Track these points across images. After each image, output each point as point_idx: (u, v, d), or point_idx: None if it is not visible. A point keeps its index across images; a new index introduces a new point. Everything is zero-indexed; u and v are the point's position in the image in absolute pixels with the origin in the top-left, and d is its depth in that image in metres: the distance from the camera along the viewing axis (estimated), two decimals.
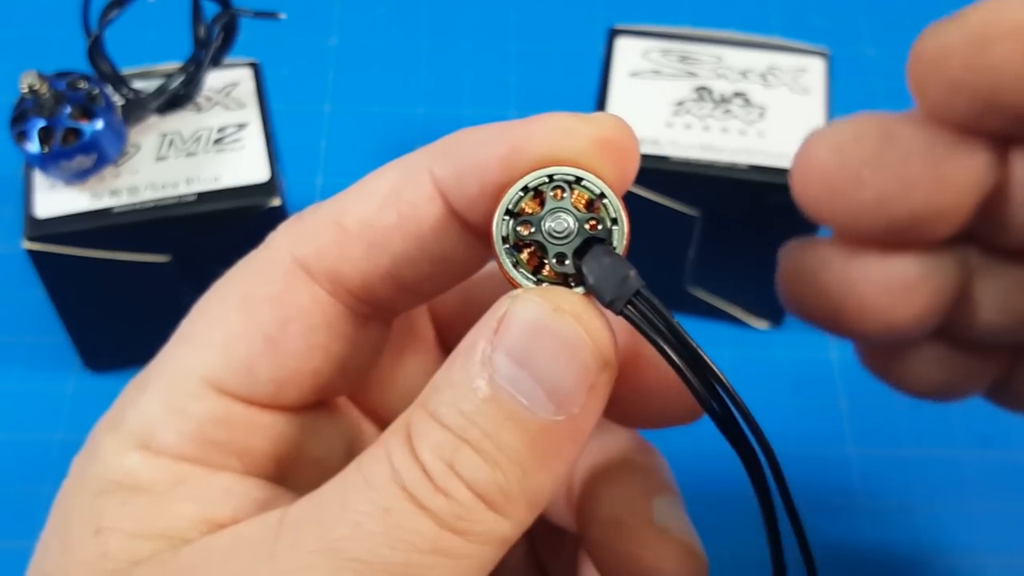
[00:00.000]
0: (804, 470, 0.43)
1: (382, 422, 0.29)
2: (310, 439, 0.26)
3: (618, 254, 0.22)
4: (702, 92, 0.44)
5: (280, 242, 0.25)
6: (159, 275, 0.42)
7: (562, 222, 0.22)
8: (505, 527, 0.21)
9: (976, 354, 0.26)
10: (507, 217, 0.22)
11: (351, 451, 0.27)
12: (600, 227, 0.22)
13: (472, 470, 0.20)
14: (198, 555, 0.22)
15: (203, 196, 0.40)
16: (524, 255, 0.22)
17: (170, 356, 0.25)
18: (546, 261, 0.22)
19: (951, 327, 0.25)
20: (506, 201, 0.22)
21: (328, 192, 0.52)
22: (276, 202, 0.40)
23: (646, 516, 0.27)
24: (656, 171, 0.42)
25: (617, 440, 0.29)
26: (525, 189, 0.22)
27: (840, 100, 0.45)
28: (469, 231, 0.24)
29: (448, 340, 0.29)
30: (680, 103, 0.44)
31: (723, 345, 0.47)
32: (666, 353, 0.21)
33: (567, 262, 0.22)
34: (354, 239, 0.24)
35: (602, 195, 0.22)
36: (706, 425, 0.24)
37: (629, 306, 0.21)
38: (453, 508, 0.20)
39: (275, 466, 0.25)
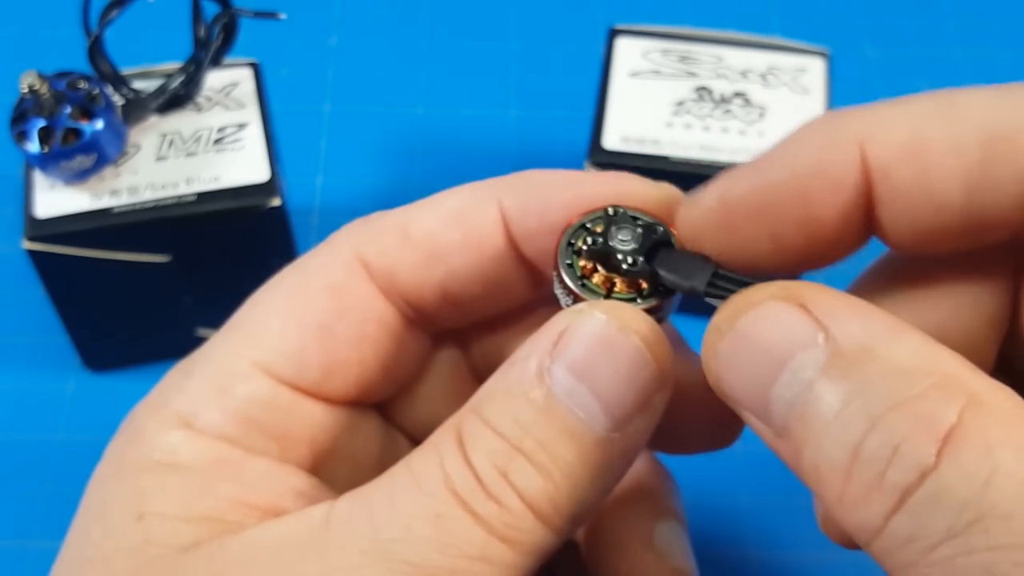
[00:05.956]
0: None
1: (407, 436, 0.29)
2: (347, 435, 0.26)
3: (684, 249, 0.23)
4: (702, 92, 0.44)
5: (343, 239, 0.25)
6: (159, 275, 0.42)
7: (625, 232, 0.23)
8: (550, 539, 0.21)
9: None
10: (570, 246, 0.23)
11: (383, 456, 0.27)
12: (659, 232, 0.23)
13: (525, 479, 0.21)
14: (244, 550, 0.22)
15: (203, 196, 0.40)
16: (595, 279, 0.23)
17: (221, 341, 0.25)
18: (616, 279, 0.23)
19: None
20: (569, 232, 0.23)
21: (328, 192, 0.52)
22: (276, 202, 0.40)
23: (647, 539, 0.27)
24: (656, 171, 0.42)
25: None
26: (584, 227, 0.23)
27: (840, 100, 0.45)
28: (522, 263, 0.25)
29: (474, 362, 0.29)
30: (680, 103, 0.44)
31: None
32: None
33: (639, 260, 0.23)
34: (415, 247, 0.25)
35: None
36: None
37: (711, 286, 0.22)
38: (504, 516, 0.21)
39: (311, 456, 0.25)
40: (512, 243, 0.25)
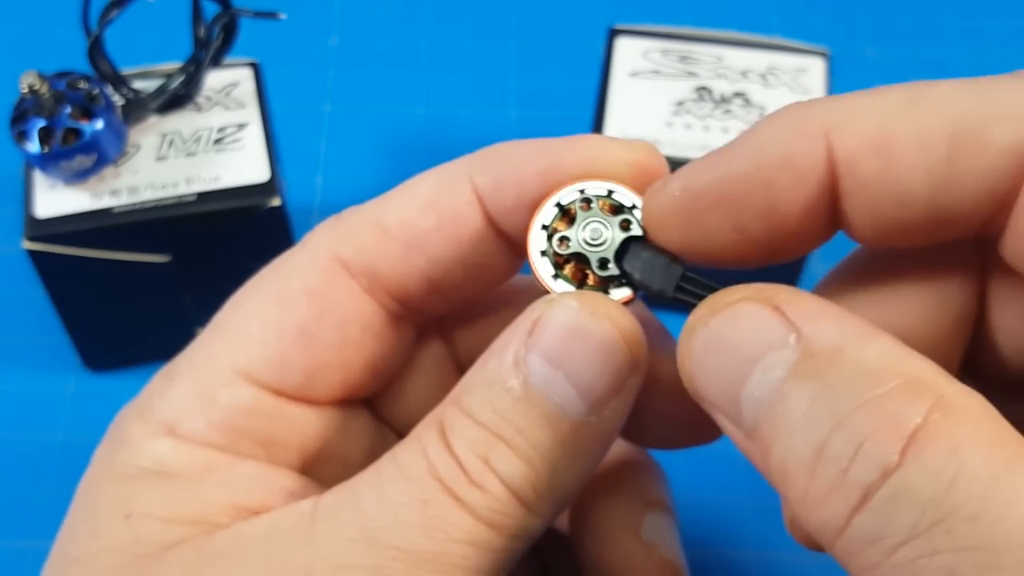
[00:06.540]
0: None
1: (396, 431, 0.29)
2: (334, 435, 0.26)
3: (655, 246, 0.23)
4: (702, 92, 0.44)
5: (319, 240, 0.25)
6: (159, 275, 0.42)
7: (597, 230, 0.23)
8: (534, 522, 0.22)
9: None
10: (543, 230, 0.23)
11: (372, 453, 0.28)
12: (632, 225, 0.23)
13: (506, 466, 0.21)
14: (232, 541, 0.22)
15: (203, 196, 0.40)
16: (567, 271, 0.23)
17: (202, 347, 0.25)
18: (588, 272, 0.23)
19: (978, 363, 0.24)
20: (542, 215, 0.23)
21: (328, 192, 0.52)
22: (276, 202, 0.40)
23: (635, 530, 0.28)
24: None
25: (618, 450, 0.29)
26: (559, 205, 0.23)
27: None
28: (503, 239, 0.25)
29: (459, 355, 0.29)
30: (680, 103, 0.44)
31: None
32: None
33: (610, 265, 0.23)
34: (393, 239, 0.24)
35: (633, 206, 0.23)
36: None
37: (678, 290, 0.22)
38: (488, 502, 0.21)
39: (299, 459, 0.25)
40: (490, 220, 0.24)
